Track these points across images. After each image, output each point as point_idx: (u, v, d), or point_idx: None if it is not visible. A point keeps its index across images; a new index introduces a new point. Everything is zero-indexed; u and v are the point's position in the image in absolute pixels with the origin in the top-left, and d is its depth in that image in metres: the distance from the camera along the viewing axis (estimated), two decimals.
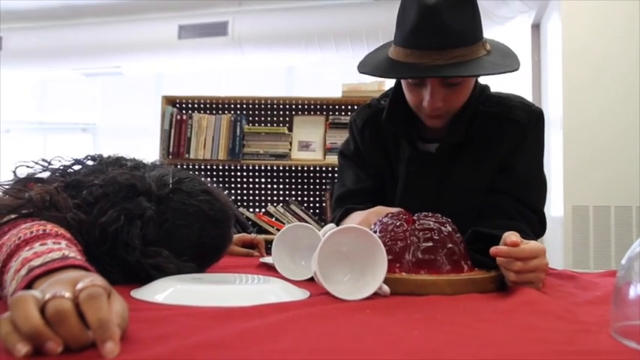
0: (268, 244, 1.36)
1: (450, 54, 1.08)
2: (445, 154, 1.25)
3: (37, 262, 0.66)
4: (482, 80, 1.28)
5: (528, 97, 3.69)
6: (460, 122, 1.21)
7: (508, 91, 1.31)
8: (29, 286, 0.61)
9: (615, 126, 2.84)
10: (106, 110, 5.64)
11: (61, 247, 0.71)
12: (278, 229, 1.02)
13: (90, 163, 1.07)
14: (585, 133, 2.87)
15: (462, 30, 1.08)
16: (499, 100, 1.26)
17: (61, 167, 1.03)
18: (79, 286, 0.52)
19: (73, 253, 0.70)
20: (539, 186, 1.25)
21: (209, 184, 1.06)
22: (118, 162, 1.07)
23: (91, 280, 0.53)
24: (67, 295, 0.51)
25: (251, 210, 3.50)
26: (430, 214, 1.00)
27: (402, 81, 1.21)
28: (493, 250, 0.89)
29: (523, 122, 1.21)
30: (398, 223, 0.98)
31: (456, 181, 1.23)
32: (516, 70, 1.14)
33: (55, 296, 0.51)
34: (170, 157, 3.36)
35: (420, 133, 1.27)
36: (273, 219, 3.39)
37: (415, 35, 1.09)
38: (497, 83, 1.31)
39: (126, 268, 0.91)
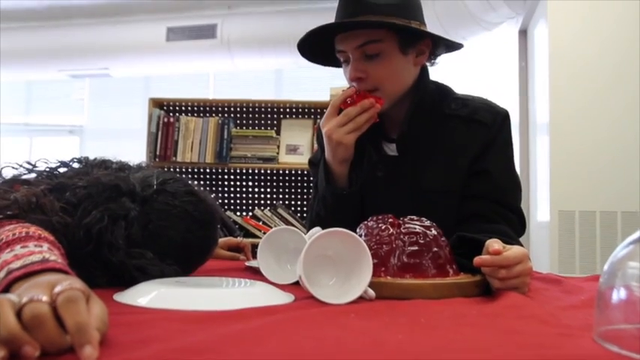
0: (255, 247, 1.34)
1: (363, 18, 1.16)
2: (408, 156, 1.26)
3: (17, 264, 0.65)
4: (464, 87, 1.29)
5: (515, 102, 3.72)
6: (407, 114, 1.24)
7: (479, 95, 1.32)
8: (7, 289, 0.60)
9: (601, 132, 2.87)
10: (94, 112, 5.59)
11: (42, 250, 0.70)
12: (265, 233, 1.01)
13: (76, 165, 1.06)
14: (571, 139, 2.90)
15: (383, 3, 1.16)
16: (464, 102, 1.27)
17: (47, 169, 1.02)
18: (57, 289, 0.52)
19: (54, 257, 0.69)
20: (514, 186, 1.27)
21: (194, 186, 1.05)
22: (103, 164, 1.06)
23: (69, 284, 0.52)
24: (45, 298, 0.50)
25: (238, 213, 3.49)
26: (416, 218, 1.00)
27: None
28: (477, 260, 0.89)
29: (489, 123, 1.23)
30: (383, 227, 0.97)
31: (428, 185, 1.24)
32: (431, 38, 1.21)
33: (32, 300, 0.50)
34: (157, 159, 3.35)
35: (385, 132, 1.29)
36: (261, 223, 3.38)
37: (339, 9, 1.23)
38: (481, 89, 1.32)
39: (110, 271, 0.90)
